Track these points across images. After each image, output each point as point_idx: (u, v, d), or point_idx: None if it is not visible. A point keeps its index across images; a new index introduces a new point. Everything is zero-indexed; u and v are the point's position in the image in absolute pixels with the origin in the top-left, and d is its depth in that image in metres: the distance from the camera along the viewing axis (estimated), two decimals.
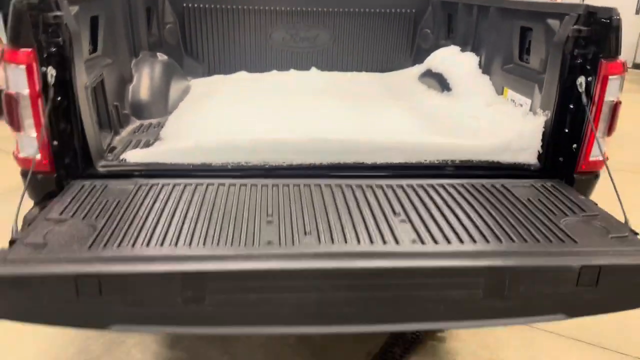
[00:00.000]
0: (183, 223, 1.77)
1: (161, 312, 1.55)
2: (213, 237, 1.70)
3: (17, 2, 1.95)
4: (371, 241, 1.69)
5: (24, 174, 2.20)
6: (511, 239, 1.73)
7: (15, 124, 2.04)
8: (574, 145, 2.26)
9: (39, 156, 2.04)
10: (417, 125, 2.81)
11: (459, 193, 2.11)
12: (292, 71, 4.16)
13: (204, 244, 1.65)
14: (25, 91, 1.98)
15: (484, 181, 2.24)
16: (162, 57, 3.51)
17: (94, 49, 2.62)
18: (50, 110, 2.01)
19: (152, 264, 1.54)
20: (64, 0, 2.05)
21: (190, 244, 1.65)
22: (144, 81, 3.11)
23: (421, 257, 1.62)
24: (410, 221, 1.86)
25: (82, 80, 2.17)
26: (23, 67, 1.97)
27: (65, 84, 2.08)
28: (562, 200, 2.06)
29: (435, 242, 1.70)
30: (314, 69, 4.18)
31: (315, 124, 2.71)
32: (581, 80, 2.19)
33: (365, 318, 1.60)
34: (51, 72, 2.01)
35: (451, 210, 1.95)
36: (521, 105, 2.71)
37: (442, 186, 2.18)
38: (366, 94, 3.60)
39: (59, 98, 2.06)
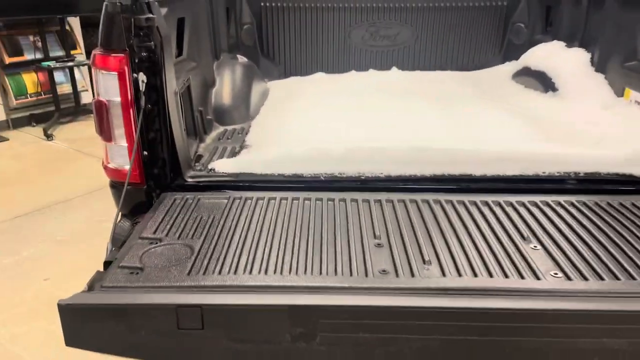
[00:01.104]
0: (285, 245, 1.60)
1: (266, 349, 1.38)
2: (320, 263, 1.51)
3: (109, 5, 1.85)
4: (505, 274, 1.45)
5: (113, 185, 2.11)
6: None
7: (106, 133, 1.95)
8: None
9: (128, 167, 1.93)
10: (525, 131, 2.51)
11: (595, 213, 1.82)
12: (372, 71, 3.93)
13: (311, 271, 1.47)
14: (117, 99, 1.88)
15: (620, 198, 1.93)
16: (242, 59, 3.39)
17: (179, 52, 2.51)
18: (142, 119, 1.90)
19: (258, 295, 1.37)
20: (155, 2, 1.93)
21: (296, 271, 1.47)
22: (226, 85, 2.99)
23: (572, 297, 1.35)
24: (545, 248, 1.59)
25: (172, 85, 2.05)
26: (115, 73, 1.87)
27: (155, 90, 1.96)
28: None
29: (584, 277, 1.44)
30: (394, 69, 3.94)
31: (410, 129, 2.48)
32: None
33: None
34: (142, 78, 1.90)
35: (591, 234, 1.66)
36: None
37: (572, 204, 1.89)
38: (456, 94, 3.31)
39: (149, 105, 1.94)
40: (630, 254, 1.54)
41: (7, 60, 6.18)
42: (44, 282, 3.34)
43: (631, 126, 2.30)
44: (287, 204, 1.90)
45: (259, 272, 1.46)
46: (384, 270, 1.48)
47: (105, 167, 2.04)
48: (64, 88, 6.67)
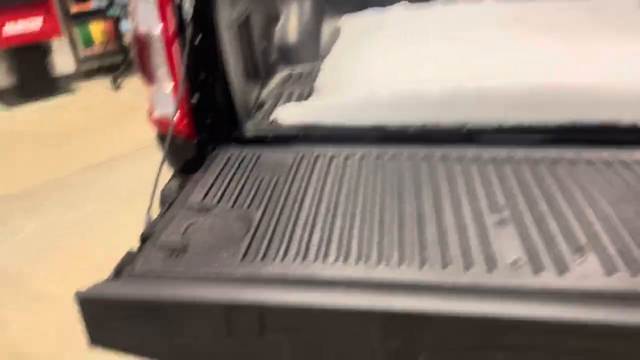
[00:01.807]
0: (371, 222, 1.19)
1: None
2: (421, 249, 1.09)
3: None
4: None
5: (160, 138, 1.78)
6: None
7: (148, 74, 1.59)
8: None
9: (176, 116, 1.57)
10: None
11: None
12: (461, 1, 3.30)
13: (411, 262, 1.05)
14: (157, 30, 1.50)
15: None
16: None
17: None
18: (189, 55, 1.52)
19: (338, 295, 0.98)
20: None
21: (388, 260, 1.06)
22: (292, 20, 2.54)
23: None
24: None
25: (226, 15, 1.64)
26: None
27: (205, 21, 1.56)
28: None
29: None
30: None
31: (525, 65, 1.92)
32: None
33: None
34: (188, 4, 1.50)
35: None
36: None
37: None
38: (573, 24, 2.66)
39: (198, 39, 1.55)
40: None
41: (74, 8, 6.04)
42: (108, 240, 3.18)
43: None
44: (369, 164, 1.47)
45: (337, 259, 1.07)
46: (515, 262, 1.03)
47: (150, 116, 1.70)
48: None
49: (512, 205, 1.22)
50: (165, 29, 1.50)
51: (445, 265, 1.03)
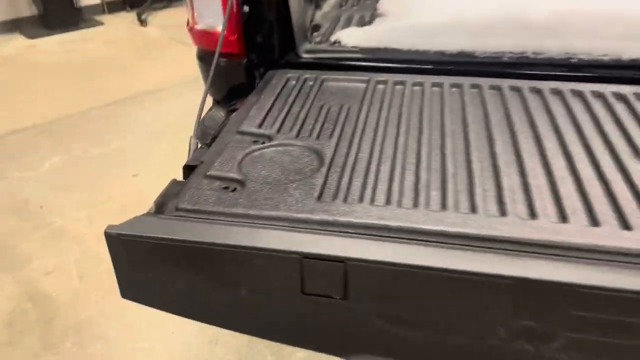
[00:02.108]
0: (469, 162, 0.93)
1: (456, 347, 0.77)
2: (554, 195, 0.83)
3: None
4: None
5: (201, 58, 1.51)
6: None
7: None
8: None
9: (221, 28, 1.30)
10: None
11: None
12: None
13: (533, 214, 0.80)
14: None
15: None
16: None
17: None
18: None
19: (451, 252, 0.73)
20: None
21: (514, 211, 0.80)
22: None
23: None
24: None
25: None
26: None
27: None
28: None
29: None
30: None
31: None
32: None
33: None
34: None
35: None
36: None
37: None
38: None
39: None
40: None
41: None
42: (133, 178, 3.00)
43: None
44: (455, 93, 1.20)
45: (444, 205, 0.82)
46: None
47: (192, 30, 1.43)
48: None
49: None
50: None
51: (594, 223, 0.77)
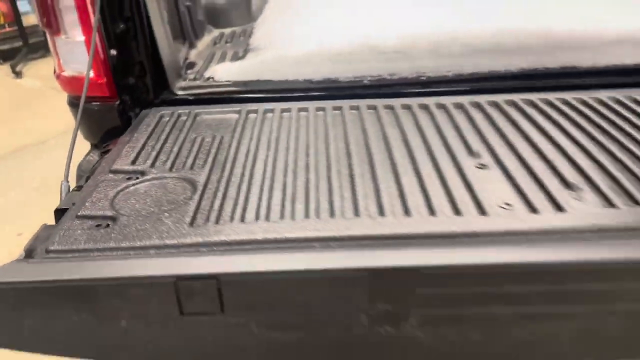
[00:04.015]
0: (340, 174, 1.02)
1: (327, 339, 0.84)
2: (402, 194, 0.94)
3: None
4: None
5: (71, 103, 1.50)
6: None
7: (52, 22, 1.32)
8: None
9: (91, 72, 1.32)
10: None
11: None
12: None
13: (389, 212, 0.90)
14: None
15: None
16: None
17: None
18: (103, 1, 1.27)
19: (314, 254, 0.81)
20: None
21: (367, 213, 0.90)
22: None
23: None
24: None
25: None
26: None
27: None
28: None
29: None
30: None
31: (489, 10, 1.81)
32: None
33: None
34: None
35: None
36: None
37: None
38: None
39: None
40: None
41: None
42: (18, 237, 2.80)
43: None
44: (323, 117, 1.31)
45: (306, 215, 0.89)
46: (507, 204, 0.91)
47: (59, 77, 1.42)
48: (31, 19, 5.85)
49: (489, 149, 1.11)
50: None
51: (433, 213, 0.89)
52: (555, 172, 0.99)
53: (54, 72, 1.44)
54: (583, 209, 0.88)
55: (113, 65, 1.37)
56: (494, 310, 0.80)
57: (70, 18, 1.29)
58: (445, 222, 0.85)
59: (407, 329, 0.81)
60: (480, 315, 0.81)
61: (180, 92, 1.51)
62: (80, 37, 1.30)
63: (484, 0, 1.82)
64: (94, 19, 1.26)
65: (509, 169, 1.02)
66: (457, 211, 0.88)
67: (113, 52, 1.35)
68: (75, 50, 1.33)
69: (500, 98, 1.38)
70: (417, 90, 1.49)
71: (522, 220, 0.86)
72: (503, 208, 0.90)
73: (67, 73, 1.37)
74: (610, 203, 0.89)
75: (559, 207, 0.89)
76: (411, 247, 0.81)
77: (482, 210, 0.89)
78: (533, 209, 0.89)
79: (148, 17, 1.40)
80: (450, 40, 1.51)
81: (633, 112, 1.25)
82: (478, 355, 0.83)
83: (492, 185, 0.97)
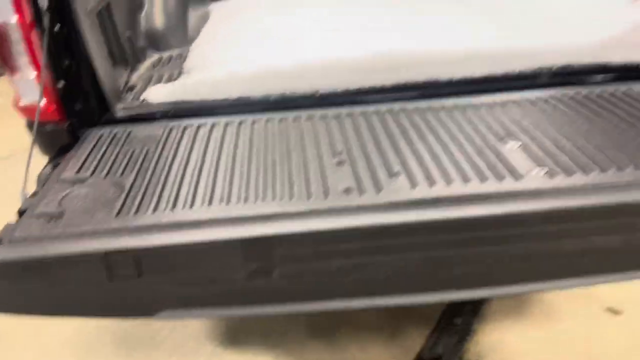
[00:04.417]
0: (232, 173, 1.39)
1: (219, 291, 1.20)
2: (273, 187, 1.31)
3: None
4: (482, 178, 1.28)
5: (30, 126, 1.82)
6: None
7: (9, 64, 1.64)
8: None
9: (43, 101, 1.65)
10: (493, 24, 2.26)
11: (571, 107, 1.65)
12: None
13: (263, 198, 1.27)
14: (13, 19, 1.56)
15: (597, 89, 1.77)
16: None
17: None
18: (49, 43, 1.60)
19: (203, 230, 1.17)
20: None
21: (246, 199, 1.26)
22: (157, 5, 2.63)
23: (560, 194, 1.20)
24: (524, 147, 1.42)
25: (84, 4, 1.73)
26: None
27: (62, 9, 1.64)
28: None
29: (567, 172, 1.28)
30: None
31: (369, 34, 2.21)
32: None
33: (488, 280, 1.22)
34: None
35: (572, 129, 1.50)
36: None
37: (547, 101, 1.72)
38: None
39: (57, 26, 1.63)
40: (616, 145, 1.38)
41: None
42: None
43: (604, 8, 2.10)
44: (233, 129, 1.66)
45: (202, 204, 1.25)
46: (347, 189, 1.29)
47: (17, 107, 1.74)
48: None
49: (348, 149, 1.48)
50: (21, 19, 1.56)
51: (292, 198, 1.26)
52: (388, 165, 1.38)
53: (12, 102, 1.76)
54: (398, 191, 1.26)
55: (61, 95, 1.69)
56: (325, 264, 1.18)
57: (23, 59, 1.61)
58: (297, 203, 1.23)
59: (274, 281, 1.18)
60: (316, 269, 1.18)
61: (120, 113, 1.85)
62: (32, 74, 1.63)
63: (361, 27, 2.23)
64: (42, 59, 1.58)
65: (361, 162, 1.40)
66: (309, 195, 1.25)
67: (61, 83, 1.68)
68: (29, 84, 1.65)
69: (381, 107, 1.75)
70: (314, 104, 1.86)
71: (353, 200, 1.24)
72: (343, 191, 1.28)
73: (23, 103, 1.70)
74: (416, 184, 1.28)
75: (379, 189, 1.27)
76: (273, 222, 1.18)
77: (327, 194, 1.27)
78: (362, 191, 1.27)
79: (89, 53, 1.73)
80: (335, 62, 1.88)
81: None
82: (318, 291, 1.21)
83: (341, 176, 1.35)
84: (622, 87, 1.77)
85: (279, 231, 1.15)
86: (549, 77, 1.89)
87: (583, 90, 1.77)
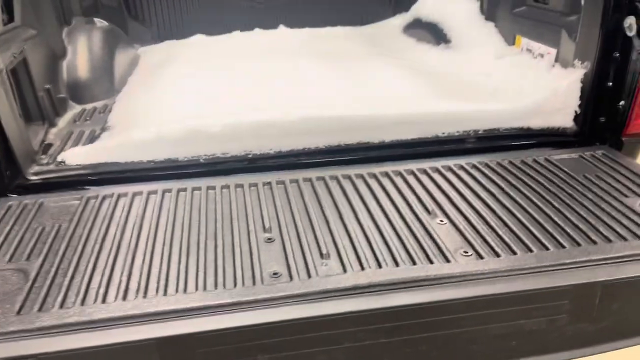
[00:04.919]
0: (152, 256, 1.29)
1: None
2: (197, 274, 1.23)
3: None
4: (412, 260, 1.26)
5: None
6: (589, 238, 1.33)
7: None
8: (621, 103, 1.87)
9: None
10: (420, 88, 2.34)
11: (498, 174, 1.70)
12: (258, 30, 3.57)
13: (184, 289, 1.18)
14: None
15: (522, 155, 1.83)
16: (100, 23, 2.88)
17: (9, 18, 2.01)
18: None
19: (115, 330, 1.07)
20: None
21: (165, 290, 1.17)
22: (81, 55, 2.51)
23: (488, 279, 1.20)
24: (452, 222, 1.43)
25: None
26: None
27: None
28: (624, 173, 1.67)
29: (495, 253, 1.29)
30: (282, 27, 3.61)
31: (301, 96, 2.21)
32: (630, 21, 1.77)
33: None
34: None
35: (497, 200, 1.53)
36: (542, 56, 2.28)
37: (474, 166, 1.75)
38: (349, 52, 3.08)
39: None
40: (540, 218, 1.42)
41: None
42: None
43: (525, 75, 2.20)
44: (157, 199, 1.57)
45: (116, 297, 1.15)
46: (275, 273, 1.23)
47: None
48: None
49: (278, 224, 1.43)
50: None
51: (216, 286, 1.18)
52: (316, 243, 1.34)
53: None
54: (328, 277, 1.22)
55: None
56: None
57: None
58: (222, 294, 1.15)
59: None
60: None
61: (33, 178, 1.71)
62: None
63: (306, 88, 2.23)
64: None
65: (291, 239, 1.35)
66: (244, 281, 1.19)
67: None
68: None
69: (313, 174, 1.70)
70: (247, 167, 1.80)
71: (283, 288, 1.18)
72: (272, 276, 1.22)
73: None
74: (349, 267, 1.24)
75: (309, 273, 1.22)
76: (192, 317, 1.10)
77: (256, 279, 1.20)
78: (292, 277, 1.22)
79: None
80: (268, 124, 1.85)
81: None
82: None
83: (269, 255, 1.29)
84: (544, 153, 1.84)
85: (198, 329, 1.07)
86: (476, 140, 1.95)
87: (510, 156, 1.82)
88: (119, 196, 1.58)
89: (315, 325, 1.10)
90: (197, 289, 1.17)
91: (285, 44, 3.28)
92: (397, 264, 1.24)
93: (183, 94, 2.26)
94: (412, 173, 1.72)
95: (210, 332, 1.07)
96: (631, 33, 1.78)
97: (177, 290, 1.17)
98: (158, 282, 1.19)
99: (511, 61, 2.39)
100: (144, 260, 1.27)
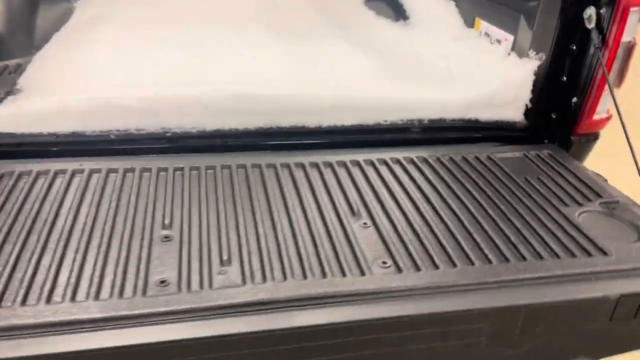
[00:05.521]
0: (42, 252, 1.12)
1: None
2: (79, 279, 1.06)
3: None
4: (323, 272, 1.12)
5: None
6: (519, 253, 1.22)
7: None
8: (574, 100, 1.75)
9: None
10: (370, 70, 2.17)
11: (435, 172, 1.57)
12: None
13: (73, 296, 1.02)
14: None
15: (465, 150, 1.70)
16: None
17: None
18: None
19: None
20: None
21: (39, 298, 1.01)
22: None
23: (403, 297, 1.07)
24: (376, 226, 1.30)
25: None
26: None
27: None
28: (568, 178, 1.56)
29: (416, 266, 1.16)
30: None
31: (236, 71, 2.00)
32: (590, 12, 1.63)
33: None
34: None
35: (430, 204, 1.40)
36: (499, 42, 2.14)
37: (412, 161, 1.62)
38: (300, 24, 2.87)
39: None
40: (470, 228, 1.30)
41: None
42: None
43: (479, 62, 2.06)
44: (62, 183, 1.38)
45: (64, 299, 1.01)
46: (162, 281, 1.07)
47: None
48: None
49: (180, 220, 1.27)
50: None
51: (99, 295, 1.03)
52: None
53: None
54: (222, 289, 1.07)
55: None
56: None
57: None
58: (104, 306, 1.00)
59: None
60: None
61: None
62: None
63: (245, 62, 2.03)
64: None
65: (191, 240, 1.19)
66: (122, 291, 1.03)
67: None
68: None
69: (233, 161, 1.54)
70: (161, 146, 1.62)
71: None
72: (159, 285, 1.06)
73: None
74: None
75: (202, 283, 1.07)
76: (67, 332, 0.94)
77: (144, 288, 1.05)
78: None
79: None
80: (193, 100, 1.65)
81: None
82: None
83: (163, 258, 1.14)
84: (488, 150, 1.72)
85: (58, 350, 0.91)
86: (420, 131, 1.81)
87: (451, 152, 1.69)
88: (19, 175, 1.39)
89: (192, 350, 0.95)
90: (63, 299, 1.01)
91: (235, 12, 3.03)
92: (305, 276, 1.10)
93: (106, 60, 2.02)
94: (344, 165, 1.57)
95: (72, 354, 0.91)
96: (590, 25, 1.65)
97: (49, 301, 1.00)
98: (41, 290, 1.03)
99: (467, 45, 2.24)
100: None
